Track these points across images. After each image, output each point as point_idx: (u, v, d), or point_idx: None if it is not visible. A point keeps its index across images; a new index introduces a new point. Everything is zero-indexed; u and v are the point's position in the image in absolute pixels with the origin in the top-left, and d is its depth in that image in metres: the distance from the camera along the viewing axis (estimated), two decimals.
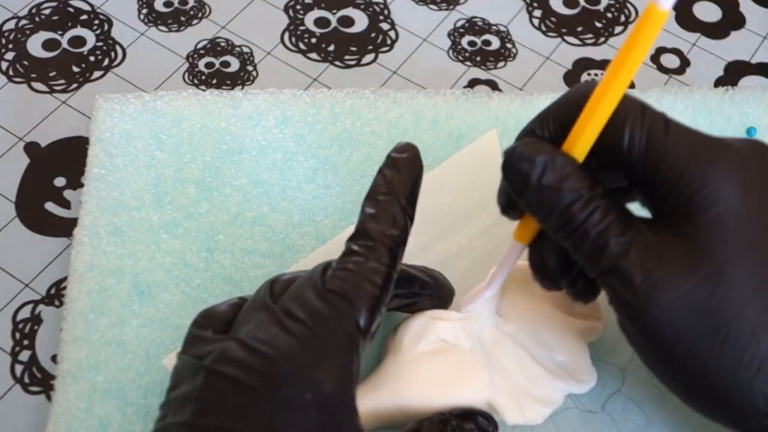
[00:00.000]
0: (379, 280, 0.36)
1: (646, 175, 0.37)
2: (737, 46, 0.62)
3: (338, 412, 0.34)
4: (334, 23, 0.62)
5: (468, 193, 0.50)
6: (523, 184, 0.37)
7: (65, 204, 0.52)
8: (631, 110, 0.37)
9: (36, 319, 0.48)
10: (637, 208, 0.39)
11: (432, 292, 0.43)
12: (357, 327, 0.35)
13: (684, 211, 0.36)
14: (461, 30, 0.61)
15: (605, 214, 0.36)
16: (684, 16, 0.63)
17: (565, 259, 0.39)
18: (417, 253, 0.48)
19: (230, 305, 0.39)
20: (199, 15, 0.62)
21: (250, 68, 0.59)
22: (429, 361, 0.42)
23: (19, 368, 0.47)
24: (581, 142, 0.37)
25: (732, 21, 0.63)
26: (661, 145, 0.36)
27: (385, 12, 0.62)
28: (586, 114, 0.36)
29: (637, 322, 0.36)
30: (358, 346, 0.36)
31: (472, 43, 0.61)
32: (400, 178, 0.38)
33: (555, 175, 0.36)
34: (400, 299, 0.42)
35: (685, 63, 0.61)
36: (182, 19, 0.61)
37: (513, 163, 0.37)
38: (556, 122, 0.38)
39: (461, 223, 0.49)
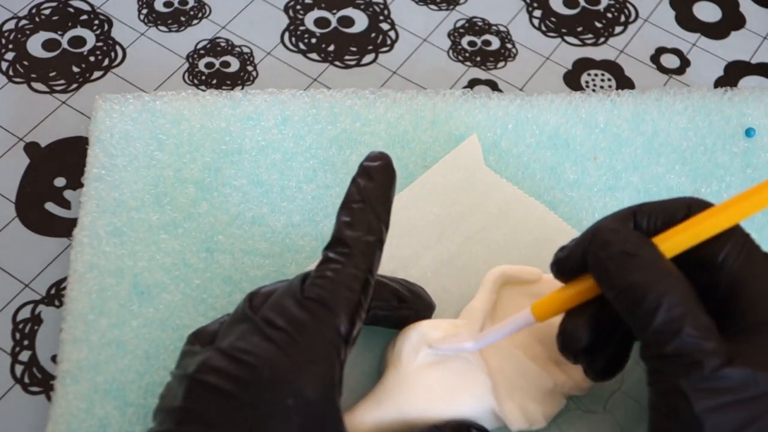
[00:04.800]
0: (357, 285, 0.37)
1: (723, 290, 0.37)
2: (737, 46, 0.62)
3: (321, 418, 0.35)
4: (334, 23, 0.62)
5: (454, 199, 0.50)
6: (603, 251, 0.37)
7: (65, 204, 0.52)
8: (736, 232, 0.38)
9: (36, 320, 0.48)
10: None
11: (411, 306, 0.43)
12: (338, 333, 0.36)
13: (758, 328, 0.36)
14: (461, 30, 0.61)
15: (687, 298, 0.36)
16: (684, 16, 0.63)
17: (597, 339, 0.39)
18: (408, 263, 0.48)
19: (220, 323, 0.39)
20: (199, 15, 0.62)
21: (250, 68, 0.59)
22: (430, 371, 0.42)
23: (19, 368, 0.47)
24: (677, 241, 0.37)
25: (732, 21, 0.63)
26: (754, 270, 0.37)
27: (385, 12, 0.62)
28: (695, 221, 0.38)
29: (685, 408, 0.35)
30: (340, 352, 0.36)
31: (472, 43, 0.61)
32: (373, 186, 0.39)
33: (639, 251, 0.37)
34: (379, 311, 0.42)
35: (685, 63, 0.61)
36: (182, 19, 0.61)
37: (601, 234, 0.38)
38: (659, 219, 0.39)
39: (450, 230, 0.49)
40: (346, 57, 0.60)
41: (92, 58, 0.59)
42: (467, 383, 0.42)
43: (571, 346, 0.39)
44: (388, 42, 0.61)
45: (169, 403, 0.36)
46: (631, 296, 0.36)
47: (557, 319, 0.44)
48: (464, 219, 0.50)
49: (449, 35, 0.61)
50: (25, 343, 0.48)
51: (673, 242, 0.37)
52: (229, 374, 0.35)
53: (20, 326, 0.48)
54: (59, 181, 0.53)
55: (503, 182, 0.51)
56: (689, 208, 0.38)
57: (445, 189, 0.51)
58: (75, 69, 0.58)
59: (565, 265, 0.39)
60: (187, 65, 0.59)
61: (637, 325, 0.36)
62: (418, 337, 0.42)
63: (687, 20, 0.63)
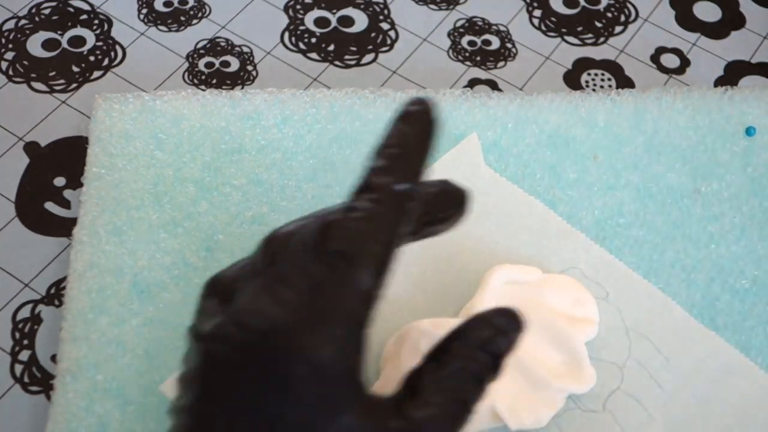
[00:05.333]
0: (385, 237, 0.33)
1: None
2: (737, 46, 0.62)
3: (341, 386, 0.32)
4: (334, 23, 0.62)
5: None
6: None
7: (65, 204, 0.52)
8: None
9: (36, 319, 0.48)
10: None
11: (447, 207, 0.38)
12: (360, 292, 0.32)
13: None
14: (461, 30, 0.62)
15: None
16: (684, 16, 0.63)
17: None
18: (408, 261, 0.48)
19: (239, 268, 0.36)
20: (199, 15, 0.62)
21: (249, 68, 0.59)
22: None
23: (18, 368, 0.47)
24: None
25: (732, 21, 0.63)
26: None
27: (385, 12, 0.62)
28: None
29: None
30: (362, 312, 0.33)
31: (472, 43, 0.61)
32: (412, 132, 0.35)
33: None
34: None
35: (685, 63, 0.61)
36: (182, 19, 0.61)
37: None
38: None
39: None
40: (346, 57, 0.60)
41: (92, 58, 0.59)
42: None
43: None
44: (388, 42, 0.61)
45: (189, 374, 0.34)
46: None
47: (558, 324, 0.44)
48: (465, 218, 0.50)
49: (449, 35, 0.61)
50: (25, 342, 0.48)
51: None
52: (239, 344, 0.32)
53: (20, 326, 0.48)
54: (59, 181, 0.53)
55: (503, 181, 0.51)
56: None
57: None
58: (75, 69, 0.58)
59: None
60: (186, 65, 0.59)
61: None
62: (417, 334, 0.42)
63: (687, 20, 0.63)
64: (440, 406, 0.34)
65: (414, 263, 0.48)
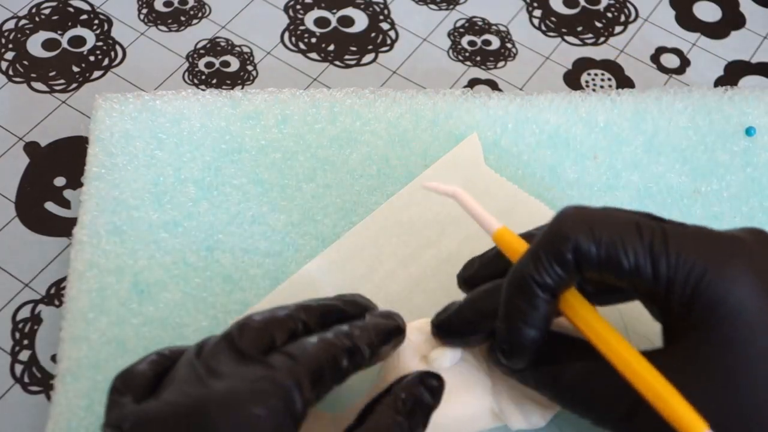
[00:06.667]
0: (327, 361, 0.35)
1: (659, 292, 0.36)
2: (737, 46, 0.62)
3: None
4: (334, 23, 0.62)
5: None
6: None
7: (65, 204, 0.52)
8: (627, 234, 0.36)
9: (36, 319, 0.48)
10: None
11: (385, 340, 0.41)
12: (296, 397, 0.34)
13: (704, 325, 0.35)
14: (461, 30, 0.62)
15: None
16: (684, 16, 0.63)
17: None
18: (408, 261, 0.48)
19: (149, 363, 0.36)
20: (199, 15, 0.62)
21: (250, 68, 0.59)
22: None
23: (18, 368, 0.47)
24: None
25: (732, 21, 0.63)
26: (667, 259, 0.35)
27: (385, 12, 0.62)
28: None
29: None
30: (294, 413, 0.34)
31: (472, 43, 0.61)
32: (379, 322, 0.39)
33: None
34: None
35: (685, 63, 0.61)
36: (182, 18, 0.61)
37: None
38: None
39: (450, 228, 0.49)
40: (346, 57, 0.60)
41: (92, 58, 0.59)
42: (466, 382, 0.42)
43: (463, 272, 0.42)
44: (388, 42, 0.61)
45: None
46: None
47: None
48: (465, 217, 0.50)
49: (449, 35, 0.61)
50: (25, 342, 0.48)
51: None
52: (171, 421, 0.33)
53: (20, 326, 0.48)
54: (59, 181, 0.53)
55: (503, 181, 0.51)
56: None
57: None
58: (75, 68, 0.58)
59: (472, 285, 0.41)
60: (187, 65, 0.59)
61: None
62: (417, 335, 0.42)
63: (687, 20, 0.63)
64: None
65: (414, 263, 0.48)
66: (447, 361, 0.41)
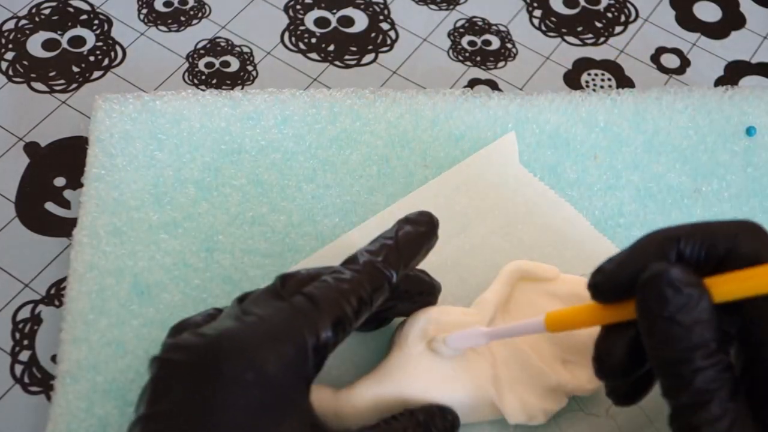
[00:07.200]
0: (353, 300, 0.37)
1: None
2: (737, 46, 0.62)
3: (284, 395, 0.35)
4: (334, 23, 0.62)
5: (483, 193, 0.50)
6: (658, 308, 0.34)
7: (65, 204, 0.52)
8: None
9: (36, 319, 0.48)
10: None
11: (419, 289, 0.43)
12: (317, 334, 0.36)
13: None
14: (461, 30, 0.61)
15: (721, 372, 0.34)
16: (684, 16, 0.63)
17: (631, 359, 0.37)
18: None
19: (204, 316, 0.40)
20: (199, 15, 0.62)
21: (250, 68, 0.59)
22: (434, 356, 0.42)
23: (18, 368, 0.47)
24: (731, 290, 0.34)
25: (732, 21, 0.63)
26: None
27: (385, 12, 0.62)
28: (756, 273, 0.34)
29: None
30: (316, 351, 0.36)
31: (472, 43, 0.61)
32: (408, 232, 0.41)
33: (692, 317, 0.34)
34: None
35: (685, 63, 0.61)
36: (182, 19, 0.61)
37: (658, 285, 0.34)
38: (703, 247, 0.36)
39: (475, 221, 0.49)
40: (346, 57, 0.60)
41: (92, 58, 0.59)
42: (469, 371, 0.42)
43: (606, 367, 0.37)
44: (388, 42, 0.61)
45: (145, 387, 0.36)
46: (670, 363, 0.34)
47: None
48: (491, 213, 0.50)
49: (449, 35, 0.61)
50: (25, 342, 0.48)
51: (725, 292, 0.35)
52: (191, 348, 0.35)
53: (20, 326, 0.48)
54: (59, 181, 0.53)
55: (535, 181, 0.51)
56: (736, 238, 0.35)
57: (476, 182, 0.51)
58: (75, 69, 0.58)
59: (604, 289, 0.37)
60: (186, 65, 0.59)
61: (668, 392, 0.35)
62: (426, 321, 0.42)
63: (687, 20, 0.63)
64: None
65: (435, 252, 0.48)
66: (451, 350, 0.42)
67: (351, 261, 0.39)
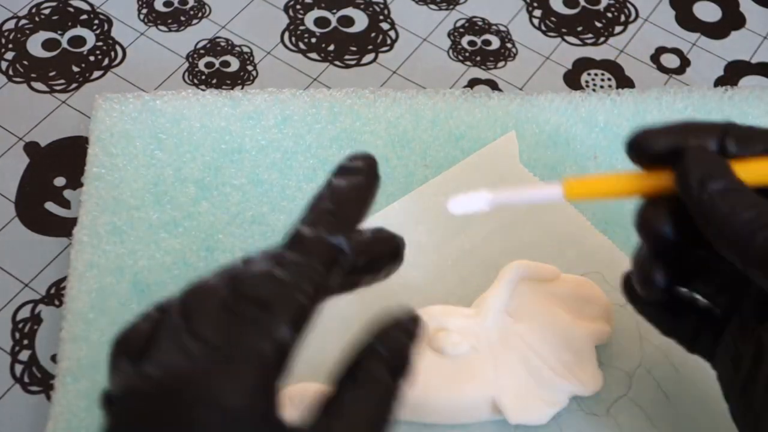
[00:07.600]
0: (309, 288, 0.32)
1: None
2: (737, 46, 0.62)
3: (248, 422, 0.31)
4: (334, 23, 0.62)
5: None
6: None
7: (65, 204, 0.52)
8: None
9: (36, 319, 0.48)
10: None
11: (380, 254, 0.37)
12: (275, 341, 0.31)
13: None
14: (461, 30, 0.62)
15: None
16: (684, 16, 0.63)
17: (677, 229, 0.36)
18: (429, 248, 0.48)
19: (149, 322, 0.34)
20: (199, 15, 0.62)
21: (250, 68, 0.59)
22: (434, 355, 0.42)
23: (18, 368, 0.47)
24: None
25: (732, 21, 0.63)
26: None
27: (385, 12, 0.62)
28: None
29: None
30: (279, 361, 0.31)
31: (472, 43, 0.61)
32: (348, 185, 0.35)
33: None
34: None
35: (685, 63, 0.61)
36: (182, 18, 0.61)
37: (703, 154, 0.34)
38: (741, 141, 0.36)
39: (476, 221, 0.49)
40: (346, 57, 0.60)
41: (92, 58, 0.59)
42: (470, 371, 0.42)
43: (651, 236, 0.36)
44: (388, 42, 0.61)
45: None
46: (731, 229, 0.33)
47: (569, 324, 0.44)
48: (491, 213, 0.50)
49: (449, 35, 0.61)
50: (25, 342, 0.48)
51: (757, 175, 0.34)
52: (139, 396, 0.31)
53: (20, 326, 0.48)
54: (59, 181, 0.53)
55: (536, 181, 0.51)
56: None
57: (477, 181, 0.51)
58: (75, 68, 0.58)
59: (647, 147, 0.36)
60: (187, 65, 0.59)
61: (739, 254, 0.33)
62: (426, 319, 0.42)
63: (687, 20, 0.63)
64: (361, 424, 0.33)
65: (435, 252, 0.48)
66: (452, 349, 0.42)
67: (292, 240, 0.33)
